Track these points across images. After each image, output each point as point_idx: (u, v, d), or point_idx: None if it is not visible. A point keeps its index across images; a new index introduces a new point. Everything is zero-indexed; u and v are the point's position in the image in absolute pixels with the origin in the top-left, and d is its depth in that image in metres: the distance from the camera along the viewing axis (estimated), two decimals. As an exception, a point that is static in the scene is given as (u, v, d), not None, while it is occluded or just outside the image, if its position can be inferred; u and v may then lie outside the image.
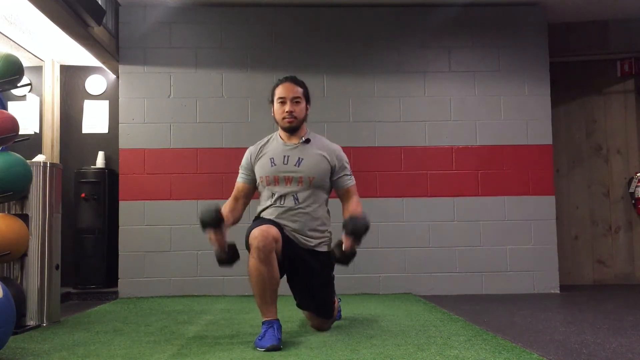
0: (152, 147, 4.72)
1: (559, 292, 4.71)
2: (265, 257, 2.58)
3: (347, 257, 2.69)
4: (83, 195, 4.69)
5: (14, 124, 3.04)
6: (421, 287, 4.68)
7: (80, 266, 4.69)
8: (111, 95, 5.05)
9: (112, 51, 4.66)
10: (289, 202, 2.84)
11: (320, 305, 2.96)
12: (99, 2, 4.13)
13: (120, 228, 4.64)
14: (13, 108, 4.80)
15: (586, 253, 5.40)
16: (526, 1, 4.87)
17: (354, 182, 3.00)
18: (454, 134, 4.83)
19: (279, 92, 2.93)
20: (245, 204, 3.00)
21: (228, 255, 2.69)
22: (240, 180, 3.01)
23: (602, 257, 5.39)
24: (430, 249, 4.74)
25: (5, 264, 3.23)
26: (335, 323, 3.18)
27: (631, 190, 5.34)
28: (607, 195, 5.43)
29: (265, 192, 2.92)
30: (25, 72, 3.37)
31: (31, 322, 3.24)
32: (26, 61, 4.53)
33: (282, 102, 2.91)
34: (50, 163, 3.44)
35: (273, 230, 2.64)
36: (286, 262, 2.76)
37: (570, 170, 5.46)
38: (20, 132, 3.09)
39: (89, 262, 4.68)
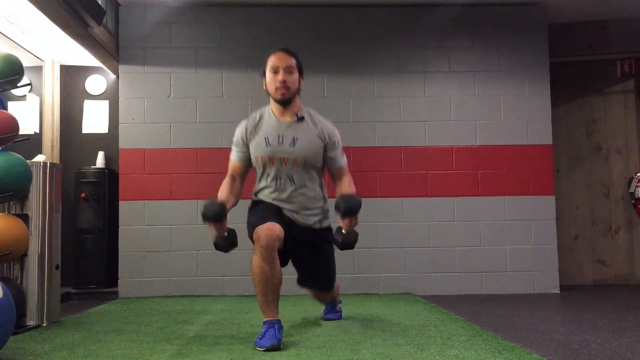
0: (152, 147, 4.72)
1: (559, 292, 4.71)
2: (268, 256, 2.58)
3: (349, 240, 2.72)
4: (83, 195, 4.69)
5: (14, 124, 3.04)
6: (421, 287, 4.68)
7: (80, 266, 4.69)
8: (111, 95, 5.05)
9: (112, 51, 4.66)
10: (285, 183, 2.85)
11: (322, 280, 3.03)
12: (99, 2, 4.13)
13: (120, 228, 4.64)
14: (13, 108, 4.79)
15: (586, 253, 5.40)
16: (526, 1, 4.87)
17: (346, 160, 2.98)
18: (454, 134, 4.83)
19: (272, 61, 2.87)
20: (243, 181, 2.94)
21: (226, 242, 2.68)
22: (235, 160, 2.92)
23: (602, 257, 5.39)
24: (430, 249, 4.74)
25: (5, 264, 3.23)
26: (335, 323, 3.19)
27: (631, 190, 5.34)
28: (607, 195, 5.43)
29: (260, 171, 2.91)
30: (25, 72, 3.36)
31: (31, 322, 3.23)
32: (26, 61, 4.53)
33: (275, 71, 2.84)
34: (50, 163, 3.44)
35: (277, 228, 2.64)
36: (288, 241, 2.75)
37: (570, 170, 5.46)
38: (20, 132, 3.09)
39: (89, 262, 4.68)
